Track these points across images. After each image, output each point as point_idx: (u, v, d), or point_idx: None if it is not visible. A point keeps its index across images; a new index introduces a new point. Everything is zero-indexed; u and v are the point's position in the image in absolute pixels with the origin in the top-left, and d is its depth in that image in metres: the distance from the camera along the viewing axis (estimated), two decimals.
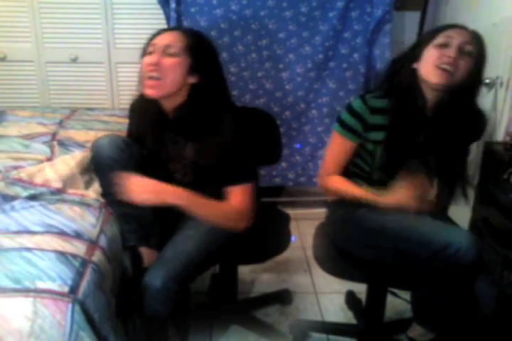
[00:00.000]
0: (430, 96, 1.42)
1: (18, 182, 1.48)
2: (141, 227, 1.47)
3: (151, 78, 1.39)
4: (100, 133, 1.96)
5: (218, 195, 1.44)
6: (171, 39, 1.40)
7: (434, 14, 2.54)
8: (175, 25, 2.29)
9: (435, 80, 1.35)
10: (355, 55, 2.41)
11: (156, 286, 1.31)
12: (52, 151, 1.78)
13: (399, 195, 1.36)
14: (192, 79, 1.41)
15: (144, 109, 1.52)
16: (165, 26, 2.36)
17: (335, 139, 1.51)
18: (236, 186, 1.43)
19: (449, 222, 1.54)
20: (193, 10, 2.31)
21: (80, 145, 1.86)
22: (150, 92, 1.41)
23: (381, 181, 1.48)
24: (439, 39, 1.36)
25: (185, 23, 2.32)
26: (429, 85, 1.39)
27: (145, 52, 1.45)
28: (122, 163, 1.43)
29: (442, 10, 2.48)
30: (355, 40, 2.39)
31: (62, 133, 1.97)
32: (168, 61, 1.38)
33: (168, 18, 2.32)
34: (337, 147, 1.51)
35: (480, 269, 1.29)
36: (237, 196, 1.43)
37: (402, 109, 1.41)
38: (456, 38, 1.34)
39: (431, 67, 1.35)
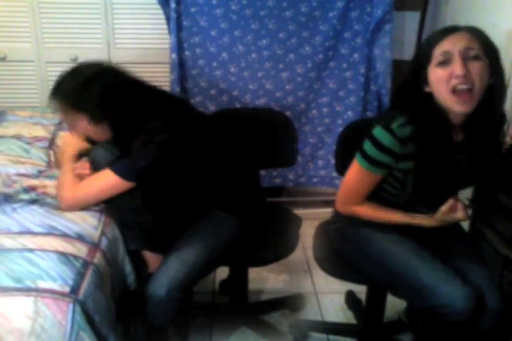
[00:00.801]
0: (455, 118, 1.27)
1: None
2: (142, 233, 1.47)
3: None
4: None
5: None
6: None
7: (434, 14, 2.54)
8: (175, 25, 2.29)
9: (458, 109, 1.21)
10: (355, 55, 2.42)
11: (159, 296, 1.31)
12: (49, 160, 1.79)
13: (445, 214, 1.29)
14: (104, 124, 1.41)
15: None
16: (165, 26, 2.37)
17: (359, 173, 1.33)
18: (104, 170, 1.38)
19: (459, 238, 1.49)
20: (193, 10, 2.31)
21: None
22: None
23: (409, 202, 1.40)
24: (437, 57, 1.21)
25: (185, 23, 2.32)
26: (453, 112, 1.24)
27: None
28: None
29: (442, 10, 2.48)
30: (355, 40, 2.39)
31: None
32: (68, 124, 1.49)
33: (168, 18, 2.32)
34: (362, 180, 1.34)
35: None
36: (92, 178, 1.41)
37: (429, 138, 1.25)
38: (453, 49, 1.19)
39: (446, 94, 1.20)
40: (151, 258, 1.48)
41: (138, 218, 1.44)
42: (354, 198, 1.37)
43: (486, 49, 1.22)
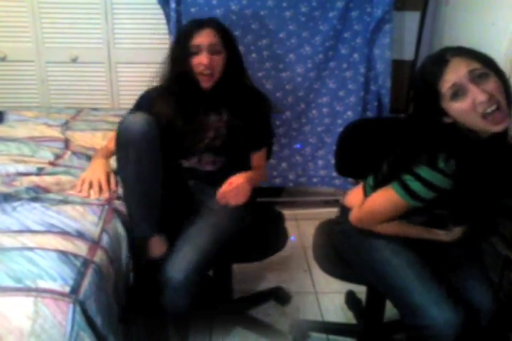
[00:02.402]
0: (484, 133, 1.22)
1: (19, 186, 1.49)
2: (152, 211, 1.49)
3: (206, 75, 1.58)
4: (108, 134, 1.98)
5: (240, 158, 1.69)
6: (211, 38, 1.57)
7: (434, 14, 2.54)
8: (175, 25, 2.29)
9: (496, 129, 1.17)
10: (355, 55, 2.41)
11: (178, 279, 1.36)
12: (59, 157, 1.80)
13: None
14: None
15: (172, 94, 1.64)
16: (165, 26, 2.37)
17: (396, 203, 1.28)
18: (259, 151, 1.70)
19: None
20: (193, 10, 2.31)
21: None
22: (206, 85, 1.61)
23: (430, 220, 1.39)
24: (447, 92, 1.16)
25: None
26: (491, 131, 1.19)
27: (190, 52, 1.57)
28: (151, 140, 1.45)
29: (442, 10, 2.48)
30: (355, 40, 2.39)
31: (75, 142, 1.97)
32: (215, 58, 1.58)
33: (168, 18, 2.31)
34: (395, 209, 1.31)
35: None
36: (259, 160, 1.72)
37: (474, 169, 1.21)
38: (459, 79, 1.15)
39: (477, 121, 1.16)
40: (157, 243, 1.50)
41: (150, 194, 1.47)
42: (379, 221, 1.35)
43: (485, 61, 1.17)
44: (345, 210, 1.50)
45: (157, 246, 1.51)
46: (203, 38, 1.56)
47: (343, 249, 1.51)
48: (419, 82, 1.24)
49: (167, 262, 1.41)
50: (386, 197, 1.31)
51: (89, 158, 1.80)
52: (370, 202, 1.35)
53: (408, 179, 1.24)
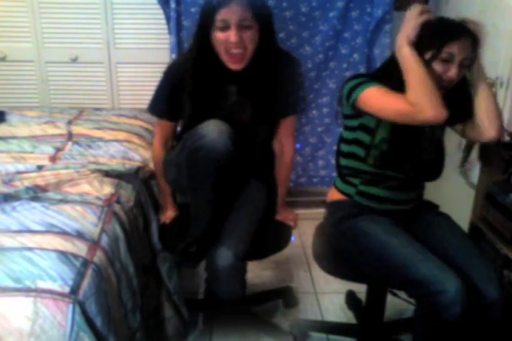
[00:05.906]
0: None
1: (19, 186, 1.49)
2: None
3: (235, 54, 1.46)
4: (113, 133, 2.01)
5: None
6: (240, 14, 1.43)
7: (434, 14, 2.53)
8: (175, 25, 2.29)
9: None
10: (355, 55, 2.42)
11: (225, 266, 1.45)
12: (60, 150, 1.81)
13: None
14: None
15: (205, 70, 1.54)
16: (165, 26, 2.37)
17: (375, 90, 1.39)
18: (288, 117, 1.66)
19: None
20: (193, 10, 2.31)
21: (100, 141, 1.94)
22: (235, 66, 1.49)
23: (377, 166, 1.46)
24: (443, 54, 1.36)
25: (185, 23, 2.32)
26: None
27: (215, 27, 1.44)
28: (231, 155, 1.41)
29: (442, 10, 2.48)
30: (355, 40, 2.39)
31: (78, 133, 2.00)
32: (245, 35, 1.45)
33: (168, 18, 2.32)
34: (385, 95, 1.37)
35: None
36: (286, 128, 1.69)
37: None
38: (457, 55, 1.35)
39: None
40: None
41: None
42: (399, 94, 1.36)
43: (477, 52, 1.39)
44: (330, 208, 1.57)
45: None
46: (231, 13, 1.41)
47: (339, 243, 1.52)
48: None
49: (214, 252, 1.48)
50: (373, 97, 1.38)
51: (90, 146, 1.84)
52: (381, 105, 1.38)
53: (356, 88, 1.40)
